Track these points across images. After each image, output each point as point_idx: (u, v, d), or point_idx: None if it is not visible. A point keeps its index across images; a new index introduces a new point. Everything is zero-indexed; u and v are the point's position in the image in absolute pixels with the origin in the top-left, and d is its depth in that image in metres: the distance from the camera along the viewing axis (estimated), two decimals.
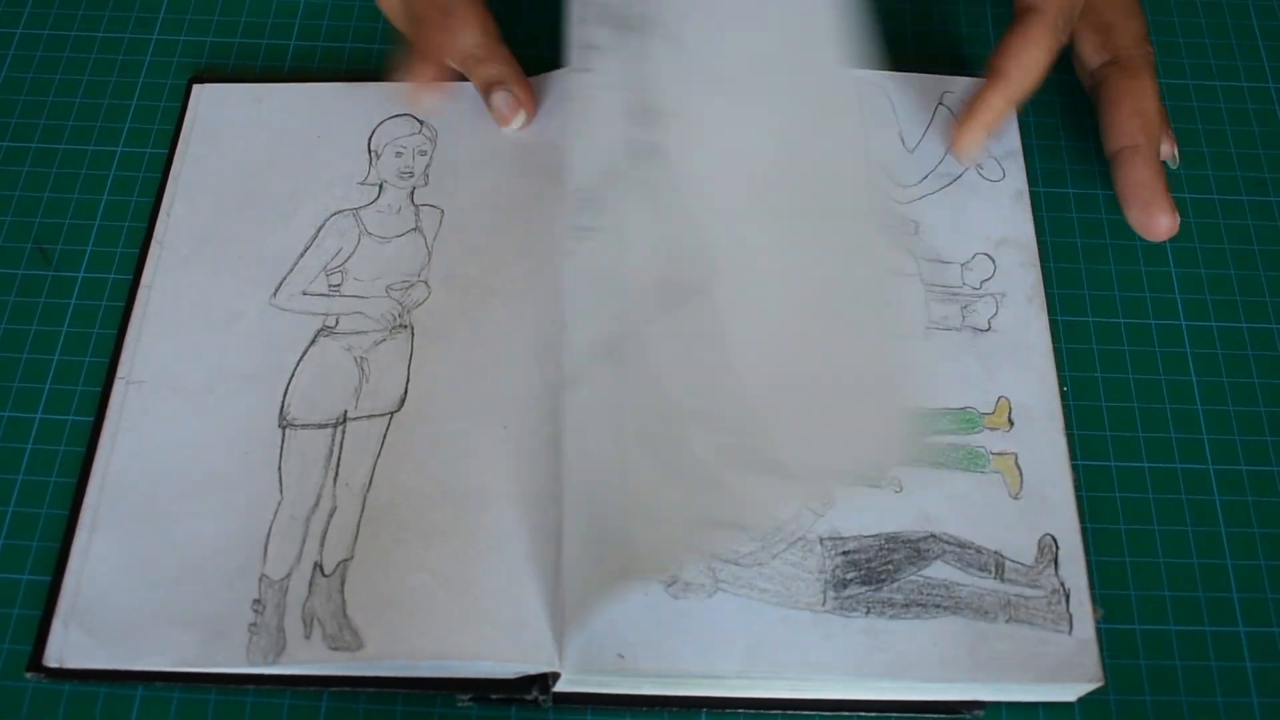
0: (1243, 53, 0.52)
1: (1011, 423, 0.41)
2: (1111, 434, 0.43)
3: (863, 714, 0.38)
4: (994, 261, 0.44)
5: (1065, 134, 0.49)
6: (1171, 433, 0.43)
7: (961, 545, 0.39)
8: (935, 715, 0.38)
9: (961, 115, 0.45)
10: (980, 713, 0.38)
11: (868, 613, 0.38)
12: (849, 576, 0.39)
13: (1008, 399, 0.42)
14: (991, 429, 0.41)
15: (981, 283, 0.44)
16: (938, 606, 0.38)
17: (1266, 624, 0.40)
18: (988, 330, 0.43)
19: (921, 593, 0.38)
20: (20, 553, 0.40)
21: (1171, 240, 0.47)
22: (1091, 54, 0.47)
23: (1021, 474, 0.40)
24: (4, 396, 0.43)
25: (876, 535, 0.39)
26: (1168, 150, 0.46)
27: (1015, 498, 0.40)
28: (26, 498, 0.41)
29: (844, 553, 0.39)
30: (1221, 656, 0.39)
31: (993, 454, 0.41)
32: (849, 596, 0.38)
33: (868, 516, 0.40)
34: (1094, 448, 0.43)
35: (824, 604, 0.38)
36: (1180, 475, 0.42)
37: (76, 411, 0.43)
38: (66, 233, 0.47)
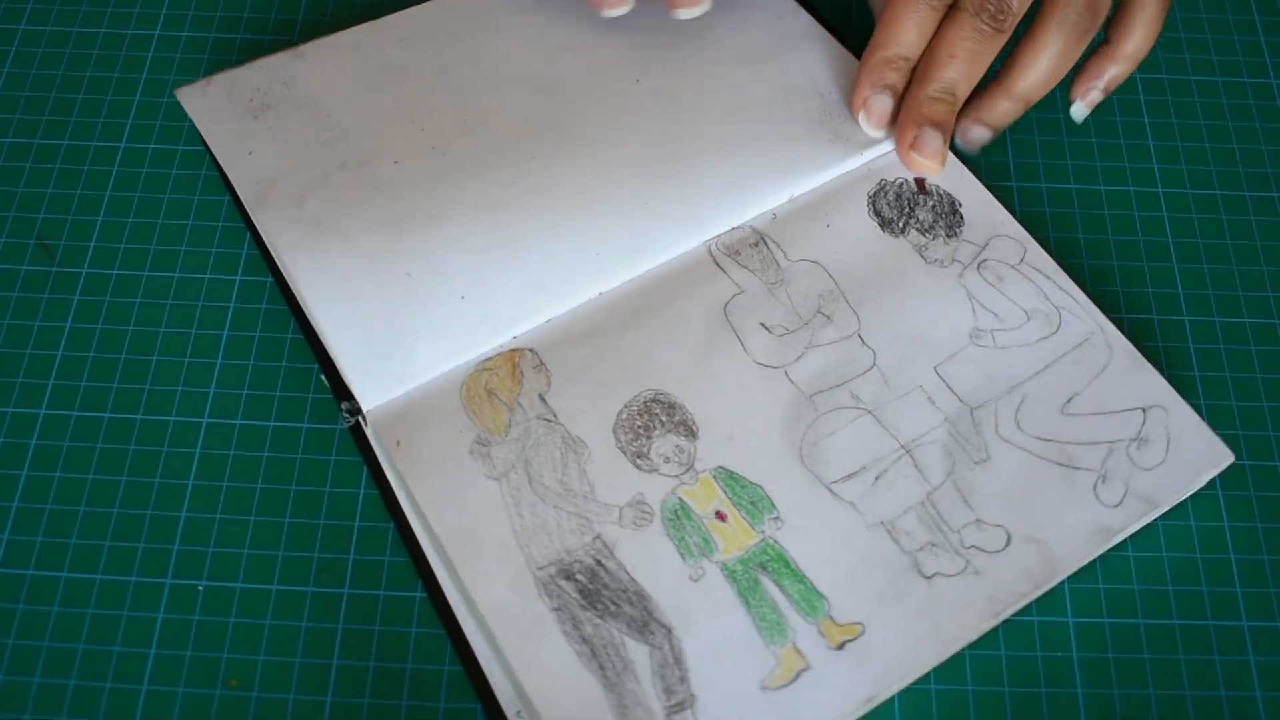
0: (1245, 48, 0.52)
1: (842, 647, 0.36)
2: None
3: None
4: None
5: (1066, 130, 0.50)
6: None
7: (678, 663, 0.36)
8: None
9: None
10: None
11: (555, 611, 0.36)
12: (562, 583, 0.37)
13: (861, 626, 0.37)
14: (822, 637, 0.36)
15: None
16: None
17: (1270, 619, 0.40)
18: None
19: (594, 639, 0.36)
20: (19, 549, 0.40)
21: (1174, 235, 0.47)
22: None
23: (793, 680, 0.36)
24: (7, 392, 0.43)
25: (634, 581, 0.37)
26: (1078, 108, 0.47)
27: (762, 688, 0.35)
28: (28, 494, 0.41)
29: (571, 573, 0.37)
30: (1225, 651, 0.39)
31: (794, 645, 0.36)
32: (556, 592, 0.37)
33: (649, 567, 0.37)
34: None
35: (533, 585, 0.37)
36: None
37: (80, 407, 0.43)
38: (70, 229, 0.47)
